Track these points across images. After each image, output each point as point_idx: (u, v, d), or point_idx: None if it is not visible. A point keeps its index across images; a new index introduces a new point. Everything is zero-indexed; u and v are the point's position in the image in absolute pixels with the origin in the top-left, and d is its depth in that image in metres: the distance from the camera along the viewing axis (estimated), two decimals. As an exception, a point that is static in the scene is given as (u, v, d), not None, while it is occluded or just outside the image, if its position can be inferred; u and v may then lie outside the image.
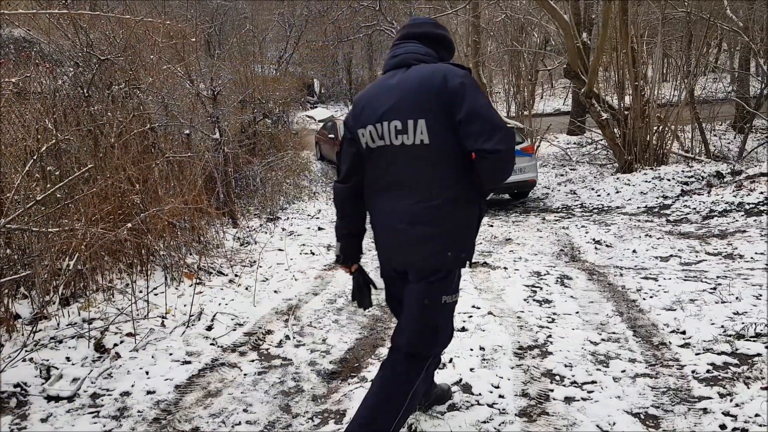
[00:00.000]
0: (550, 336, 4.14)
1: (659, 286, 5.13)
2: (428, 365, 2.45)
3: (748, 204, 8.63)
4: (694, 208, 9.08)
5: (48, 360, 3.63)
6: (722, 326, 4.04)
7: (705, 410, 3.01)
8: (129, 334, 4.10)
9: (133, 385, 3.47)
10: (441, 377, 3.45)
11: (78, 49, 6.50)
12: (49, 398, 3.31)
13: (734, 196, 9.07)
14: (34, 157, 4.67)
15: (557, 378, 3.48)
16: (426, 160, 2.28)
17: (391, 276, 2.67)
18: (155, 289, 4.99)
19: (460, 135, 2.22)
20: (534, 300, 5.01)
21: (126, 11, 8.06)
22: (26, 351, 3.68)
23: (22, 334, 3.88)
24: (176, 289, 5.21)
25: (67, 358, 3.75)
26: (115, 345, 3.96)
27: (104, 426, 3.08)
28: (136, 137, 6.37)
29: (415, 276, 2.43)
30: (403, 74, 2.33)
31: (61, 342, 3.92)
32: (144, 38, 8.01)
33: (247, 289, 5.43)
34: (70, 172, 4.98)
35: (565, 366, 3.61)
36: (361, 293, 2.77)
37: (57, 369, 3.57)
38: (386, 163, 2.37)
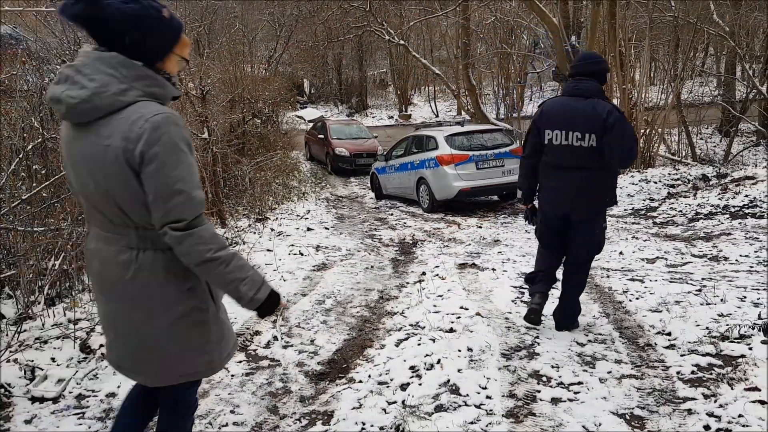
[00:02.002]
0: (537, 337, 4.16)
1: (645, 287, 5.17)
2: None
3: (734, 207, 8.72)
4: (680, 211, 9.16)
5: (33, 361, 3.60)
6: (707, 328, 4.08)
7: (689, 411, 3.04)
8: (115, 335, 4.07)
9: (119, 386, 3.45)
10: (428, 378, 3.46)
11: (65, 47, 6.44)
12: (33, 399, 3.28)
13: (720, 198, 9.16)
14: (20, 156, 4.63)
15: (544, 379, 3.50)
16: (592, 155, 3.79)
17: (553, 218, 4.07)
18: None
19: (605, 145, 3.74)
20: (522, 301, 5.03)
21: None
22: (10, 352, 3.65)
23: (7, 335, 3.84)
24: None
25: (53, 359, 3.72)
26: (101, 345, 3.93)
27: (90, 427, 3.05)
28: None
29: (581, 213, 3.95)
30: (583, 102, 3.79)
31: (46, 342, 3.90)
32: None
33: (234, 289, 5.41)
34: (56, 171, 4.94)
35: (552, 367, 3.63)
36: (530, 219, 4.32)
37: (42, 370, 3.54)
38: (567, 154, 3.84)
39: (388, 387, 3.42)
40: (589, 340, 4.08)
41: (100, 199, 1.87)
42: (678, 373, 3.48)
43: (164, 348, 1.98)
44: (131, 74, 1.81)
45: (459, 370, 3.56)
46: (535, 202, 4.27)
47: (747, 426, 2.83)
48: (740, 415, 2.90)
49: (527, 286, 4.41)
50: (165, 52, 1.91)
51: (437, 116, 28.11)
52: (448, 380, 3.44)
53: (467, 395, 3.27)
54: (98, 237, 1.98)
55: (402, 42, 18.92)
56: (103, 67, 1.79)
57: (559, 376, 3.50)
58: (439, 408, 3.15)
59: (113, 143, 1.77)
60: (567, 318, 4.27)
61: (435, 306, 4.84)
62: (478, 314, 4.59)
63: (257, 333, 4.44)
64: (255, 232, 8.06)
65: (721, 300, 4.59)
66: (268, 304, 2.00)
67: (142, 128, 1.75)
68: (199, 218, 1.84)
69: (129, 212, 1.85)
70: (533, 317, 4.12)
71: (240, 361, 3.91)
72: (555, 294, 4.35)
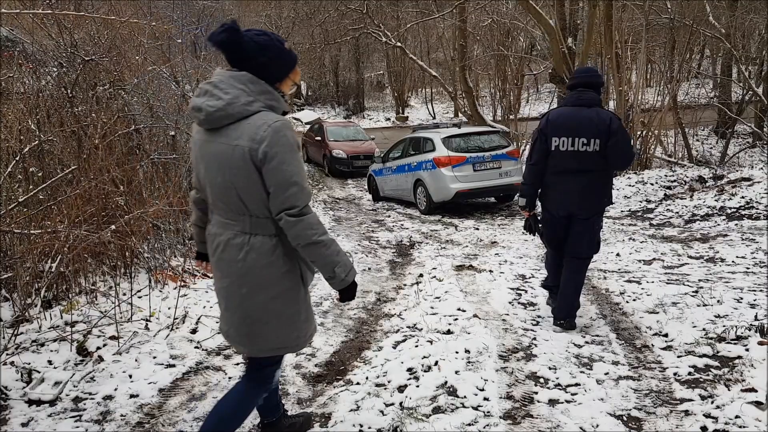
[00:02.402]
0: (534, 339, 4.16)
1: (642, 289, 5.18)
2: None
3: (730, 208, 8.75)
4: (677, 212, 9.19)
5: (29, 363, 3.59)
6: (704, 329, 4.09)
7: (686, 412, 3.04)
8: (112, 337, 4.06)
9: (116, 389, 3.44)
10: (426, 380, 3.46)
11: (62, 49, 6.44)
12: (30, 402, 3.27)
13: (716, 200, 9.18)
14: (17, 158, 4.63)
15: (541, 380, 3.50)
16: (596, 159, 4.13)
17: (558, 218, 4.35)
18: (139, 291, 4.96)
19: (608, 149, 4.09)
20: (519, 303, 5.03)
21: (111, 12, 8.00)
22: (7, 354, 3.64)
23: (3, 337, 3.83)
24: (160, 291, 5.17)
25: (49, 362, 3.71)
26: (98, 348, 3.92)
27: (87, 430, 3.05)
28: (120, 138, 6.32)
29: (584, 213, 4.25)
30: (587, 111, 4.13)
31: (43, 345, 3.88)
32: (129, 39, 7.97)
33: (232, 291, 5.41)
34: (53, 174, 4.94)
35: (550, 368, 3.64)
36: (530, 228, 4.54)
37: (39, 372, 3.53)
38: (572, 159, 4.15)
39: (385, 389, 3.42)
40: (587, 342, 4.09)
41: (225, 190, 2.29)
42: (675, 374, 3.49)
43: (262, 321, 2.37)
44: (257, 89, 2.27)
45: (456, 372, 3.56)
46: (536, 210, 4.52)
47: (744, 427, 2.84)
48: (737, 416, 2.91)
49: (546, 292, 4.84)
50: (283, 76, 2.39)
51: (434, 118, 28.17)
52: (446, 382, 3.45)
53: (465, 397, 3.27)
54: (219, 223, 2.40)
55: (399, 44, 18.96)
56: (235, 83, 2.25)
57: (557, 378, 3.51)
58: (437, 410, 3.15)
59: (241, 143, 2.20)
60: (564, 313, 4.42)
61: (432, 308, 4.84)
62: (475, 316, 4.59)
63: (254, 335, 4.44)
64: (252, 235, 8.04)
65: (718, 301, 4.60)
66: (351, 288, 2.39)
67: (266, 132, 2.18)
68: (308, 207, 2.26)
69: (247, 202, 2.27)
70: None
71: (237, 363, 3.91)
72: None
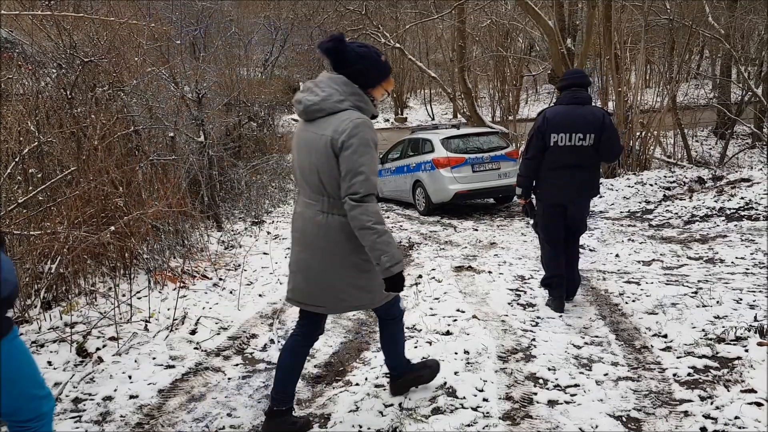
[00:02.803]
0: (533, 339, 4.16)
1: (641, 290, 5.19)
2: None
3: (729, 209, 8.75)
4: (676, 213, 9.19)
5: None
6: (703, 330, 4.09)
7: (686, 413, 3.04)
8: (112, 338, 4.06)
9: (115, 390, 3.44)
10: (425, 381, 3.45)
11: (61, 51, 6.44)
12: (29, 403, 3.26)
13: (715, 201, 9.19)
14: (16, 160, 4.63)
15: (541, 381, 3.50)
16: (590, 153, 4.51)
17: (553, 206, 4.69)
18: (138, 292, 4.96)
19: (601, 142, 4.49)
20: (518, 304, 5.03)
21: (110, 13, 8.01)
22: None
23: None
24: (160, 292, 5.17)
25: (49, 363, 3.71)
26: (98, 349, 3.92)
27: (86, 431, 3.05)
28: (119, 140, 6.32)
29: (577, 202, 4.68)
30: (581, 109, 4.50)
31: (42, 346, 3.88)
32: (128, 40, 7.97)
33: (231, 292, 5.41)
34: (52, 175, 4.94)
35: (549, 369, 3.64)
36: (527, 212, 4.89)
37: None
38: (569, 154, 4.48)
39: (384, 389, 3.42)
40: (586, 343, 4.09)
41: (311, 173, 2.70)
42: (674, 375, 3.49)
43: (341, 286, 2.79)
44: (348, 91, 2.68)
45: (456, 373, 3.56)
46: (532, 198, 4.86)
47: (743, 428, 2.84)
48: (737, 417, 2.91)
49: (546, 290, 4.98)
50: (375, 83, 2.78)
51: (433, 119, 28.12)
52: (445, 383, 3.45)
53: (464, 398, 3.27)
54: (303, 203, 2.81)
55: (398, 45, 18.96)
56: (331, 84, 2.68)
57: (556, 379, 3.51)
58: (436, 411, 3.15)
59: (326, 134, 2.61)
60: (575, 287, 4.96)
61: (431, 309, 4.84)
62: (474, 317, 4.59)
63: (254, 336, 4.44)
64: (251, 236, 8.05)
65: (717, 302, 4.60)
66: (397, 280, 2.67)
67: (347, 126, 2.57)
68: (370, 196, 2.58)
69: (326, 185, 2.65)
70: (561, 306, 4.77)
71: (237, 364, 3.91)
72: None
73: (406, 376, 3.31)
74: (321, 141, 2.62)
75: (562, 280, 4.79)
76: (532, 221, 5.05)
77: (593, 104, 4.72)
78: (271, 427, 2.97)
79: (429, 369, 3.38)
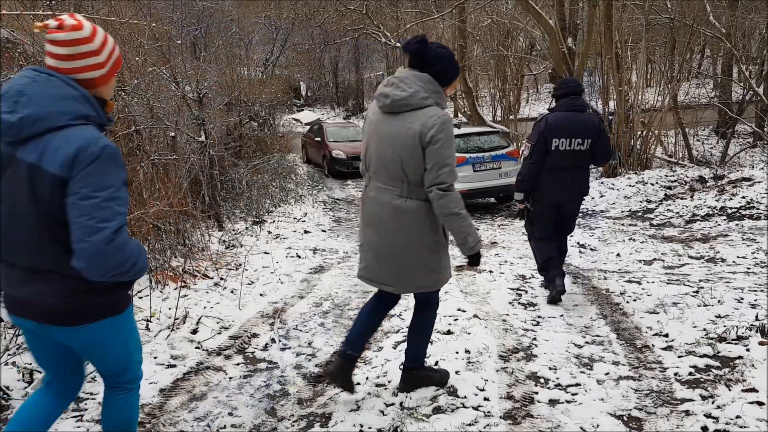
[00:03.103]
0: (534, 339, 4.16)
1: (642, 289, 5.19)
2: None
3: (730, 208, 8.74)
4: (677, 212, 9.18)
5: (31, 364, 3.59)
6: (704, 329, 4.09)
7: (687, 412, 3.04)
8: (113, 338, 4.06)
9: (116, 389, 3.43)
10: (427, 380, 3.45)
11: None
12: (31, 403, 3.27)
13: (717, 200, 9.18)
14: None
15: (542, 381, 3.50)
16: (585, 156, 4.91)
17: (550, 206, 4.99)
18: (140, 292, 4.96)
19: (597, 147, 4.89)
20: (519, 303, 5.04)
21: (111, 13, 8.00)
22: (9, 355, 3.64)
23: (5, 338, 3.84)
24: (161, 292, 5.18)
25: (50, 362, 3.70)
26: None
27: (88, 430, 3.05)
28: (120, 139, 6.32)
29: (575, 201, 5.12)
30: (579, 115, 4.86)
31: (43, 346, 3.88)
32: (129, 40, 7.97)
33: (232, 292, 5.42)
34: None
35: (550, 369, 3.64)
36: (523, 216, 5.26)
37: (40, 373, 3.53)
38: (568, 157, 4.83)
39: (385, 389, 3.42)
40: (587, 342, 4.09)
41: (392, 161, 2.90)
42: (675, 374, 3.49)
43: (413, 266, 3.01)
44: (432, 88, 2.89)
45: (457, 372, 3.57)
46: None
47: (745, 427, 2.84)
48: (738, 416, 2.91)
49: (542, 276, 5.23)
50: (449, 82, 3.00)
51: (434, 119, 28.06)
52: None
53: (465, 397, 3.27)
54: (376, 188, 3.02)
55: (398, 45, 18.93)
56: (417, 81, 2.88)
57: (557, 378, 3.51)
58: (437, 410, 3.15)
59: (414, 127, 2.82)
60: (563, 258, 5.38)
61: (433, 308, 4.83)
62: (475, 316, 4.60)
63: (255, 335, 4.44)
64: (252, 235, 8.05)
65: (719, 301, 4.60)
66: (478, 257, 3.06)
67: (436, 121, 2.80)
68: (453, 185, 2.83)
69: (408, 173, 2.88)
70: (560, 297, 4.94)
71: (238, 364, 3.91)
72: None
73: (420, 372, 3.37)
74: (408, 133, 2.82)
75: (556, 261, 5.08)
76: (524, 222, 5.31)
77: (588, 110, 5.14)
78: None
79: (440, 375, 3.43)
